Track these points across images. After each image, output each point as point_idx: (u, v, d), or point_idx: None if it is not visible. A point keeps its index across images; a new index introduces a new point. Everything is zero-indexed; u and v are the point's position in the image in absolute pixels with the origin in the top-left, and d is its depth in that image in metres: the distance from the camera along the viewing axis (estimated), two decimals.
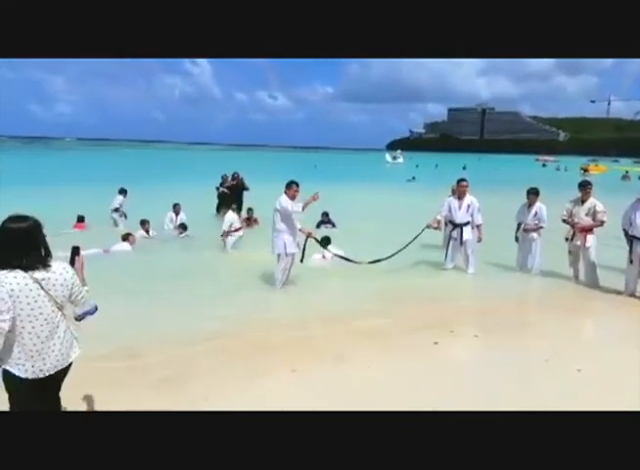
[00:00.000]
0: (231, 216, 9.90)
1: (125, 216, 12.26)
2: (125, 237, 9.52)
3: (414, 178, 33.12)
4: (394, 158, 73.75)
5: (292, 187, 6.95)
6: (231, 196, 13.94)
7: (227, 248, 9.69)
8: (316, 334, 5.40)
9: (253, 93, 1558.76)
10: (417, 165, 55.31)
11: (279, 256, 7.01)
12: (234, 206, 10.54)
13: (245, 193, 14.13)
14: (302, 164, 52.76)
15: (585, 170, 45.56)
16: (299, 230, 7.14)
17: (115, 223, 12.10)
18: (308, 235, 7.40)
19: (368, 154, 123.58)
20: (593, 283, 7.49)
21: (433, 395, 3.97)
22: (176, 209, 11.94)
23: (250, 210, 12.68)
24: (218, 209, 14.12)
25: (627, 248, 7.02)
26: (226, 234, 9.72)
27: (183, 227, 11.14)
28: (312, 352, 4.89)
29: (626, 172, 39.91)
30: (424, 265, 8.65)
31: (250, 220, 12.43)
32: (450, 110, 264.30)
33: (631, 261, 6.93)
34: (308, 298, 6.84)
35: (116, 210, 12.22)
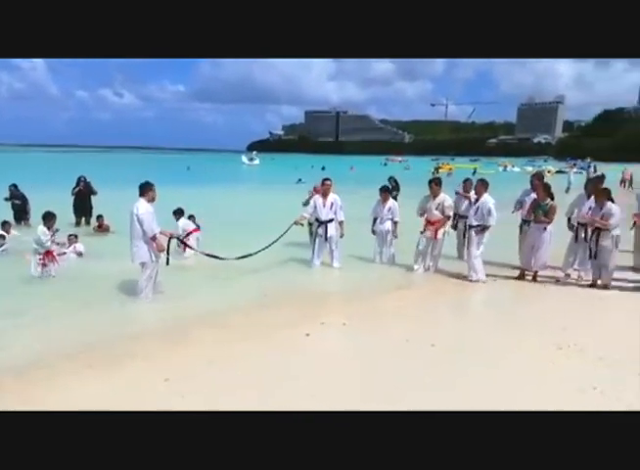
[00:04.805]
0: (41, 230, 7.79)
1: None
2: None
3: (301, 180, 33.35)
4: (251, 159, 74.69)
5: (149, 189, 6.62)
6: (80, 202, 12.91)
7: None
8: (188, 339, 5.27)
9: (95, 90, 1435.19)
10: (296, 167, 55.87)
11: (143, 264, 6.65)
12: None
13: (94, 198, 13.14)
14: (172, 167, 50.24)
15: (437, 169, 50.77)
16: (160, 233, 6.83)
17: None
18: (170, 237, 7.26)
19: (228, 155, 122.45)
20: (435, 269, 8.42)
21: (307, 384, 4.16)
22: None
23: (99, 216, 11.96)
24: (16, 218, 12.42)
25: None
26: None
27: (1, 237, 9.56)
28: (185, 358, 4.78)
29: (450, 169, 46.84)
30: (293, 262, 8.91)
31: (100, 228, 11.71)
32: (307, 112, 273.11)
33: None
34: (177, 302, 6.61)
35: None
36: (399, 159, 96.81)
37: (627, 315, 6.14)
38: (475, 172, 40.80)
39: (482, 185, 7.93)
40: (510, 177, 38.40)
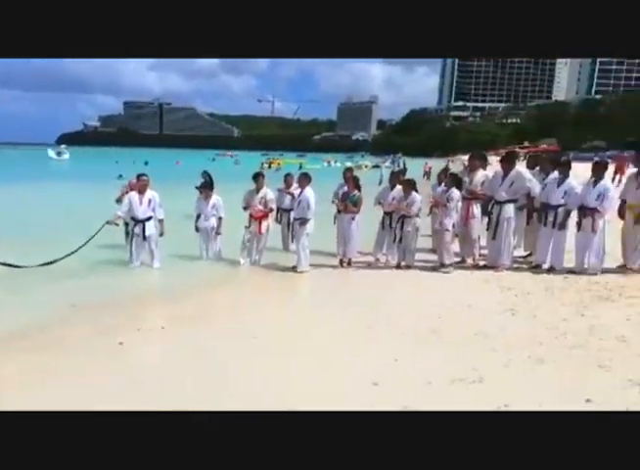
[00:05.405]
0: None
1: None
2: None
3: (122, 176, 30.53)
4: (59, 153, 69.08)
5: None
6: None
7: None
8: None
9: None
10: (117, 161, 51.93)
11: None
12: None
13: None
14: None
15: (270, 164, 51.90)
16: None
17: None
18: None
19: (34, 149, 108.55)
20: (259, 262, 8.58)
21: (115, 394, 3.84)
22: None
23: None
24: None
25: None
26: None
27: None
28: None
29: (278, 164, 50.78)
30: (107, 265, 8.19)
31: None
32: (126, 103, 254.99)
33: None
34: None
35: None
36: (230, 153, 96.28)
37: (424, 291, 6.96)
38: (301, 167, 42.55)
39: (305, 179, 8.23)
40: (333, 172, 40.75)
